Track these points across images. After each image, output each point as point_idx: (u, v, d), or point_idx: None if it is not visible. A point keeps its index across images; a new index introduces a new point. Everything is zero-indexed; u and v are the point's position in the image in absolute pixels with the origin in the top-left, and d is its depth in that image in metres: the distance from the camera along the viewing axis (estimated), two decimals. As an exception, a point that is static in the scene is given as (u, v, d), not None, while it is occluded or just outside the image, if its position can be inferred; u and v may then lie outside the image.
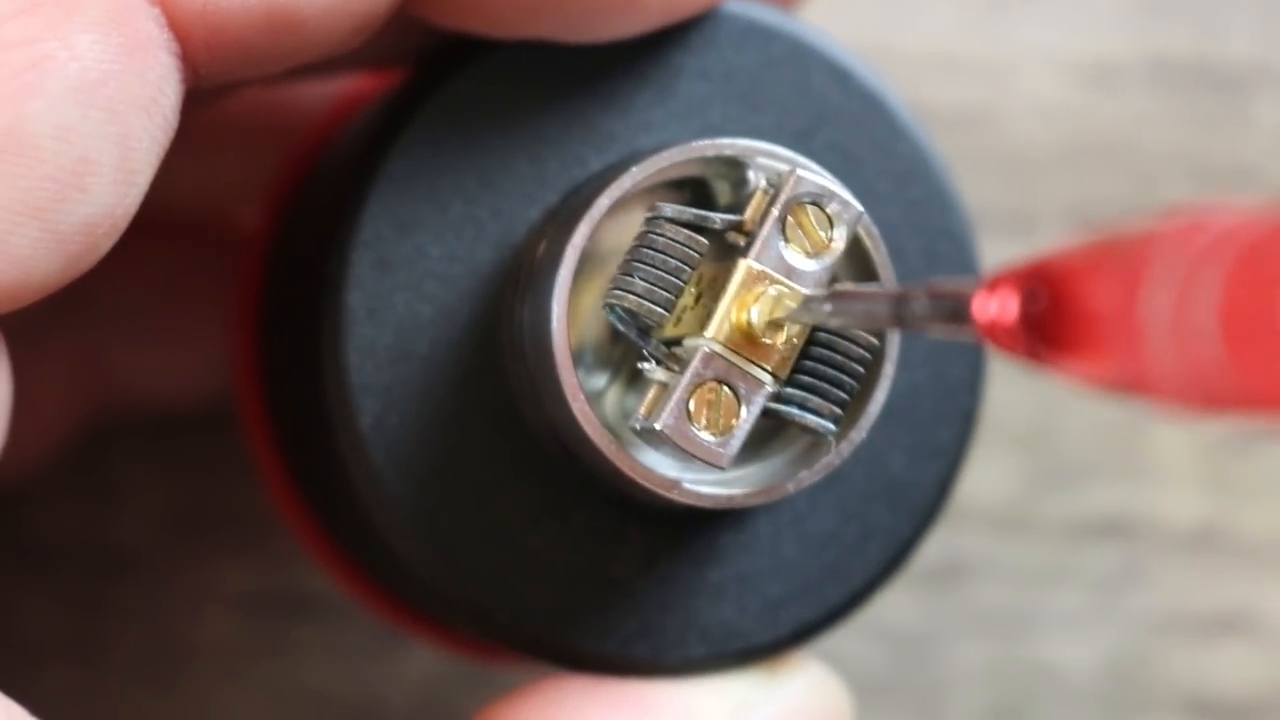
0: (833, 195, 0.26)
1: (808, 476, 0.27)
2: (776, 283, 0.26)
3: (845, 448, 0.27)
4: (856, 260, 0.27)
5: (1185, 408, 0.19)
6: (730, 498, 0.26)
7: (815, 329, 0.26)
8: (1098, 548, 0.41)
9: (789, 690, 0.29)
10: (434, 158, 0.28)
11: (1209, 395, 0.19)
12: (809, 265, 0.26)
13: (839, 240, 0.26)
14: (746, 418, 0.26)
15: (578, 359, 0.27)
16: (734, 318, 0.26)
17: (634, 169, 0.26)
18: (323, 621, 0.40)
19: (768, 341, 0.26)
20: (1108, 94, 0.44)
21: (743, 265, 0.26)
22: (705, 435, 0.26)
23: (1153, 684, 0.40)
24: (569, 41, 0.28)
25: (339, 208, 0.29)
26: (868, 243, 0.27)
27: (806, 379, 0.26)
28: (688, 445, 0.26)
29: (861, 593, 0.29)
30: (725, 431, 0.26)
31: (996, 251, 0.43)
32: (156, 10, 0.26)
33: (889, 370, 0.27)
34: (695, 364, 0.26)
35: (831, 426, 0.26)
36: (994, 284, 0.21)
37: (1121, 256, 0.19)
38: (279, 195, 0.34)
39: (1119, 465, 0.42)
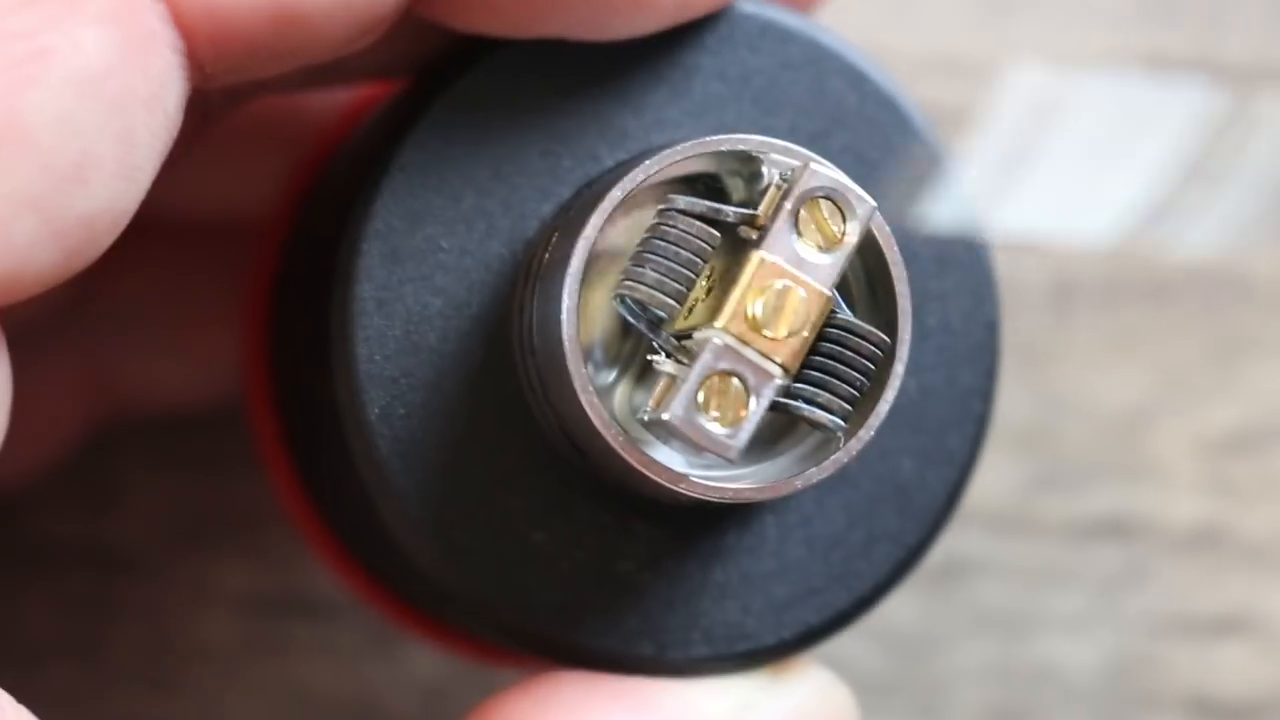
0: (846, 189, 0.26)
1: (816, 473, 0.27)
2: (788, 276, 0.26)
3: (854, 445, 0.26)
4: (869, 257, 0.27)
5: None
6: (737, 491, 0.26)
7: (826, 325, 0.26)
8: (1099, 548, 0.41)
9: (793, 694, 0.29)
10: (446, 151, 0.28)
11: None
12: (821, 259, 0.26)
13: (852, 235, 0.26)
14: (755, 409, 0.26)
15: (587, 355, 0.27)
16: (744, 310, 0.26)
17: (647, 162, 0.26)
18: (323, 621, 0.40)
19: (777, 335, 0.26)
20: (1109, 94, 0.44)
21: (755, 257, 0.26)
22: (714, 426, 0.25)
23: (1154, 684, 0.40)
24: (582, 39, 0.28)
25: (350, 200, 0.29)
26: (880, 240, 0.27)
27: (816, 374, 0.26)
28: (696, 436, 0.25)
29: (868, 597, 0.29)
30: (734, 423, 0.26)
31: (996, 253, 0.43)
32: (161, 7, 0.26)
33: (899, 370, 0.27)
34: (705, 355, 0.26)
35: (840, 422, 0.26)
36: None
37: None
38: (292, 195, 0.34)
39: (1120, 465, 0.42)
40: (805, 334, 0.26)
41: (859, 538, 0.29)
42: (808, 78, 0.29)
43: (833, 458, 0.26)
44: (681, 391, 0.25)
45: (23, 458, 0.37)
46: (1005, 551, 0.41)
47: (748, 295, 0.26)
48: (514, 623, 0.28)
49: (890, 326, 0.27)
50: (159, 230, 0.36)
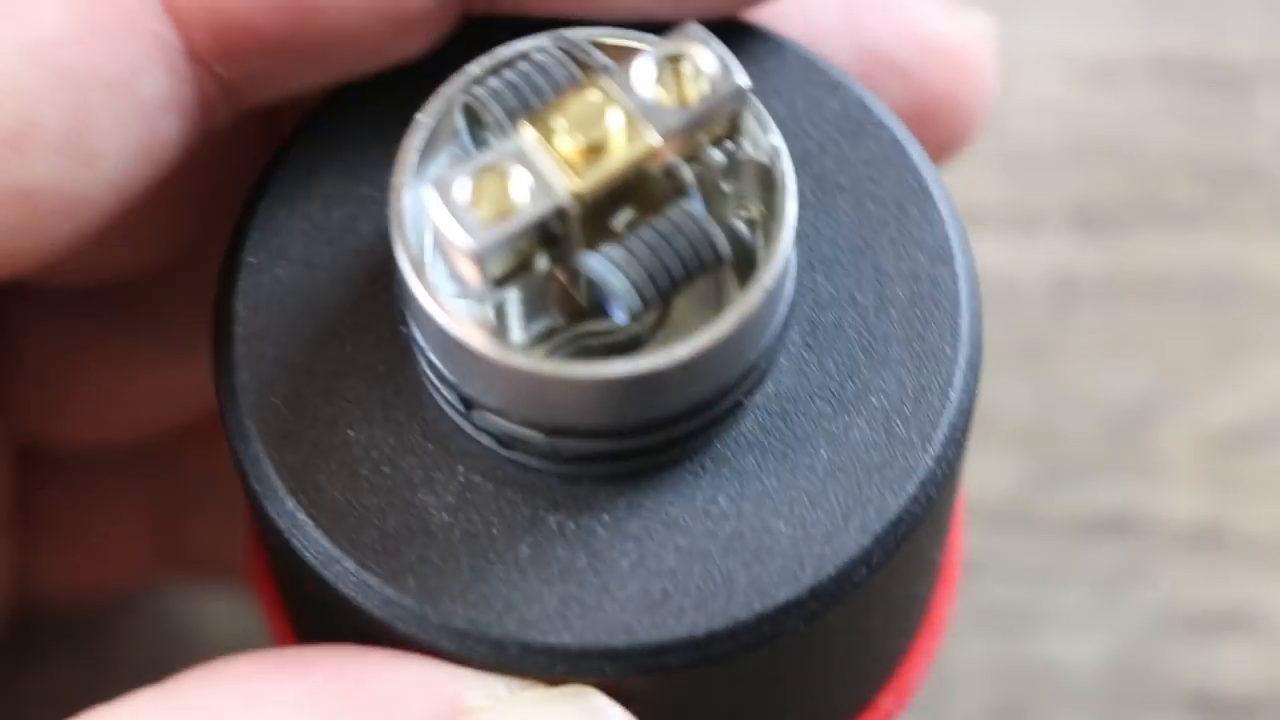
0: (719, 55, 0.24)
1: (592, 369, 0.24)
2: (616, 103, 0.24)
3: (666, 357, 0.24)
4: (764, 184, 0.25)
5: None
6: (472, 340, 0.24)
7: (672, 213, 0.24)
8: (1100, 545, 0.41)
9: (536, 711, 0.25)
10: (365, 109, 0.27)
11: None
12: (664, 109, 0.24)
13: (703, 105, 0.24)
14: (522, 217, 0.24)
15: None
16: (555, 119, 0.24)
17: (484, 57, 0.25)
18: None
19: (574, 139, 0.24)
20: (1110, 92, 0.44)
21: (596, 77, 0.24)
22: (467, 211, 0.24)
23: (1155, 681, 0.40)
24: (650, 19, 0.26)
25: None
26: (779, 175, 0.25)
27: (634, 243, 0.24)
28: (441, 210, 0.23)
29: (662, 650, 0.25)
30: (492, 219, 0.24)
31: (998, 250, 0.43)
32: None
33: (765, 283, 0.24)
34: (499, 142, 0.24)
35: (636, 301, 0.24)
36: None
37: None
38: None
39: (1122, 462, 0.41)
40: (610, 167, 0.24)
41: (694, 577, 0.25)
42: (839, 131, 0.27)
43: (639, 356, 0.24)
44: (454, 169, 0.24)
45: (87, 585, 0.37)
46: (1006, 548, 0.41)
47: (566, 106, 0.24)
48: (303, 501, 0.26)
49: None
50: None
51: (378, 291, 0.26)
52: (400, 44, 0.26)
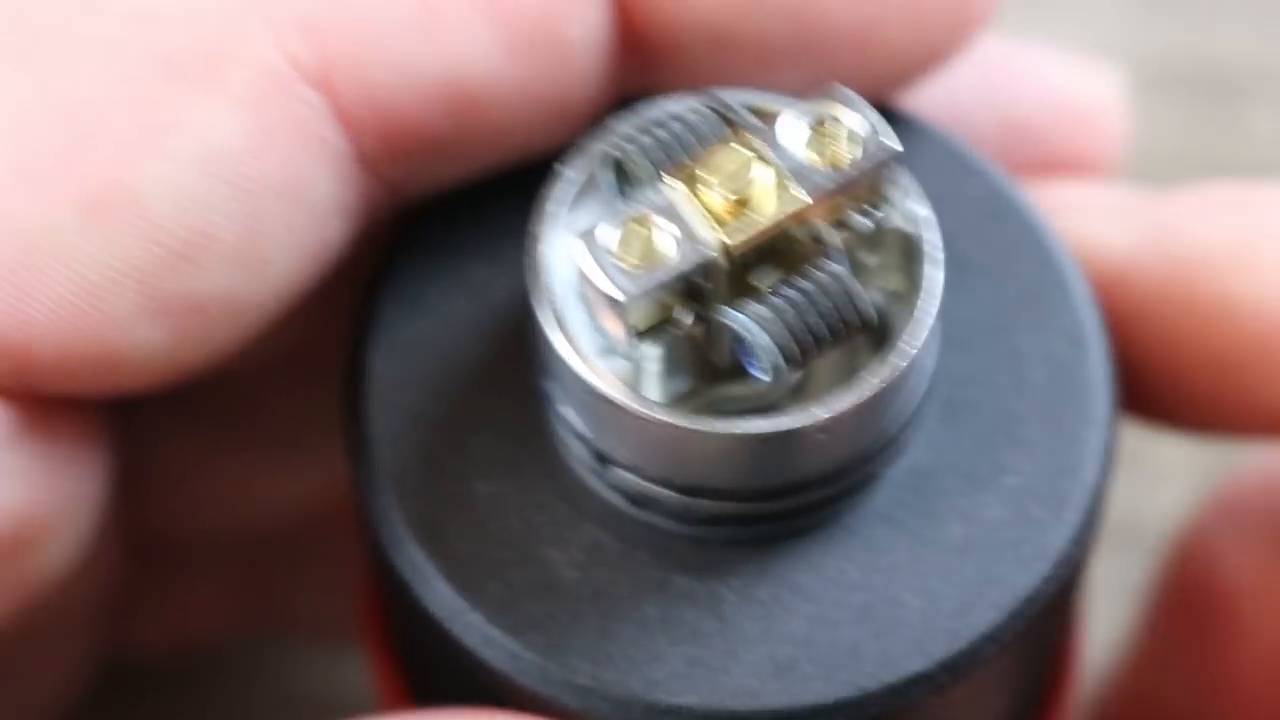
0: (872, 120, 0.24)
1: (731, 425, 0.24)
2: (767, 161, 0.24)
3: (808, 418, 0.24)
4: (906, 256, 0.25)
5: None
6: (628, 401, 0.24)
7: (818, 271, 0.24)
8: (1101, 549, 0.41)
9: None
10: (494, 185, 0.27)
11: None
12: (813, 168, 0.24)
13: (854, 168, 0.24)
14: (670, 267, 0.24)
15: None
16: (704, 173, 0.24)
17: (629, 114, 0.25)
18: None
19: (721, 192, 0.24)
20: (1109, 95, 0.44)
21: (747, 136, 0.25)
22: (615, 261, 0.24)
23: (1154, 682, 0.40)
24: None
25: None
26: (925, 247, 0.25)
27: (783, 302, 0.24)
28: (589, 259, 0.24)
29: (788, 716, 0.25)
30: (639, 269, 0.24)
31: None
32: (317, 96, 0.25)
33: (907, 351, 0.24)
34: (646, 192, 0.24)
35: (779, 358, 0.24)
36: None
37: None
38: None
39: (1122, 465, 0.42)
40: (760, 223, 0.24)
41: (819, 645, 0.25)
42: (978, 215, 0.27)
43: (778, 415, 0.24)
44: (602, 219, 0.24)
45: (177, 641, 0.37)
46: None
47: (716, 161, 0.24)
48: (430, 552, 0.26)
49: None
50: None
51: (514, 348, 0.27)
52: (560, 133, 0.27)
